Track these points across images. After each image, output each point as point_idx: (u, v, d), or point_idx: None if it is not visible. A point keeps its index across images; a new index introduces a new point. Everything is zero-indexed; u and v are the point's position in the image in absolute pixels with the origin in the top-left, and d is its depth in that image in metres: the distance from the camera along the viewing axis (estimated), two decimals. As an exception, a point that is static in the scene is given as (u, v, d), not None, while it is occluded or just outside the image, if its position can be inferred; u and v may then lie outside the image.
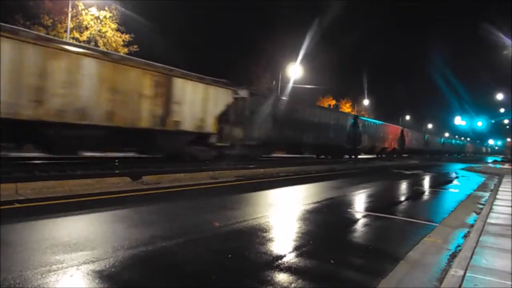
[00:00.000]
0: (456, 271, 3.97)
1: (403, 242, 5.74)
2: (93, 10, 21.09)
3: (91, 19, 21.18)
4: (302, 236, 5.66)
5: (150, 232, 5.10)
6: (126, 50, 22.73)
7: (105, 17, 21.48)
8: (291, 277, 3.86)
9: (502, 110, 47.31)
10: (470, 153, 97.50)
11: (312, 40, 31.63)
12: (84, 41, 20.74)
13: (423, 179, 17.87)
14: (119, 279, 3.56)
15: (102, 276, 3.56)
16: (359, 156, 31.80)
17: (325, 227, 6.49)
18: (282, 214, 7.24)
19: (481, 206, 9.10)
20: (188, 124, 13.87)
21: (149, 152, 14.00)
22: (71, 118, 10.28)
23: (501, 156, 60.40)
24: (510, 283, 3.72)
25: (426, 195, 12.10)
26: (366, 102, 53.88)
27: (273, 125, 19.53)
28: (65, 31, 19.87)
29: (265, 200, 9.17)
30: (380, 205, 9.12)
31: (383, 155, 38.35)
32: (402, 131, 41.84)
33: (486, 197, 10.91)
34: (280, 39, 42.19)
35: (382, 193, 11.84)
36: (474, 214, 8.05)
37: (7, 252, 3.97)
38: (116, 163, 12.71)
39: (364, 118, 35.84)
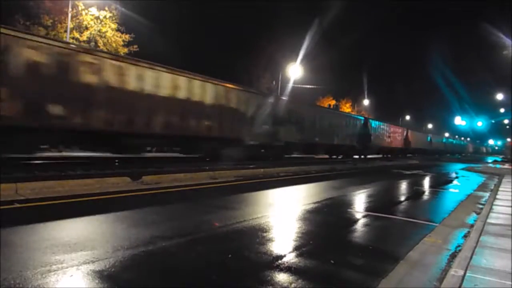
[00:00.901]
0: (456, 271, 3.97)
1: (403, 242, 5.73)
2: (93, 10, 21.09)
3: (91, 19, 21.17)
4: (302, 236, 5.66)
5: (150, 232, 5.09)
6: (126, 50, 22.74)
7: (105, 17, 21.47)
8: (291, 277, 3.86)
9: (502, 110, 47.35)
10: (467, 153, 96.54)
11: (312, 40, 31.67)
12: (84, 41, 20.75)
13: (423, 179, 17.86)
14: (119, 279, 3.56)
15: (102, 276, 3.56)
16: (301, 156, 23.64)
17: (325, 227, 6.49)
18: (282, 214, 7.24)
19: (481, 206, 9.10)
20: None
21: None
22: None
23: (501, 156, 60.29)
24: (510, 283, 3.72)
25: (426, 195, 12.09)
26: (366, 102, 53.94)
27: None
28: (65, 31, 19.88)
29: (265, 200, 9.17)
30: (380, 205, 9.12)
31: (338, 156, 28.69)
32: (365, 122, 31.82)
33: (486, 197, 10.90)
34: (280, 39, 42.30)
35: (382, 193, 11.84)
36: (474, 214, 8.04)
37: (7, 252, 3.97)
38: (117, 163, 12.73)
39: (291, 101, 22.87)
